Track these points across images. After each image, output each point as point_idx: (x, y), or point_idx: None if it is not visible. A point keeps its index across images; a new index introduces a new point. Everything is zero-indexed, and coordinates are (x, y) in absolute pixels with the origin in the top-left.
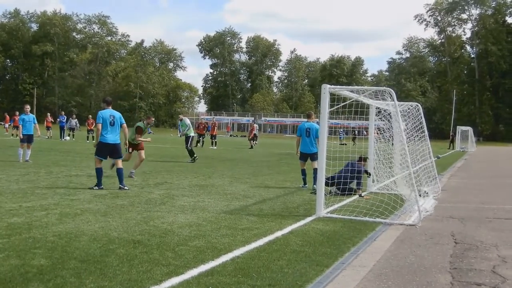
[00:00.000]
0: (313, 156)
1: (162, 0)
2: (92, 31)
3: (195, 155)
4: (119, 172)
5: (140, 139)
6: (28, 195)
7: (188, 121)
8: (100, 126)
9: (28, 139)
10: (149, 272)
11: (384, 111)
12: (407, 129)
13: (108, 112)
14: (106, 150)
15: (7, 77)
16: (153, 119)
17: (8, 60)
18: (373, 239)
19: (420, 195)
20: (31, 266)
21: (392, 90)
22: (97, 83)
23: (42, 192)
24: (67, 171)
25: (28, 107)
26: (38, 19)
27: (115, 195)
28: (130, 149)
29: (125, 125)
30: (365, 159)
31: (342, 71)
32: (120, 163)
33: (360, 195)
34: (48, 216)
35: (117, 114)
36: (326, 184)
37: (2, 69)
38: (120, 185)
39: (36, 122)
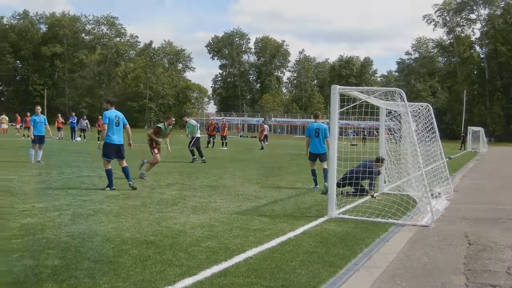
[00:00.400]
0: (323, 157)
1: (169, 1)
2: (101, 32)
3: (194, 157)
4: (125, 170)
5: (154, 137)
6: (40, 196)
7: (193, 122)
8: (106, 126)
9: (39, 140)
10: (162, 272)
11: (395, 111)
12: (418, 129)
13: (114, 113)
14: (113, 151)
15: (17, 78)
16: (174, 119)
17: (18, 62)
18: (386, 240)
19: (432, 196)
20: (45, 266)
21: (402, 91)
22: (107, 84)
23: (54, 193)
24: (79, 172)
25: (39, 108)
26: (47, 20)
27: (127, 196)
28: (156, 150)
29: (128, 125)
30: (382, 161)
31: (351, 71)
32: (124, 163)
33: (372, 196)
34: (61, 216)
35: (121, 115)
36: (338, 185)
37: (12, 71)
38: (129, 182)
39: (47, 123)
